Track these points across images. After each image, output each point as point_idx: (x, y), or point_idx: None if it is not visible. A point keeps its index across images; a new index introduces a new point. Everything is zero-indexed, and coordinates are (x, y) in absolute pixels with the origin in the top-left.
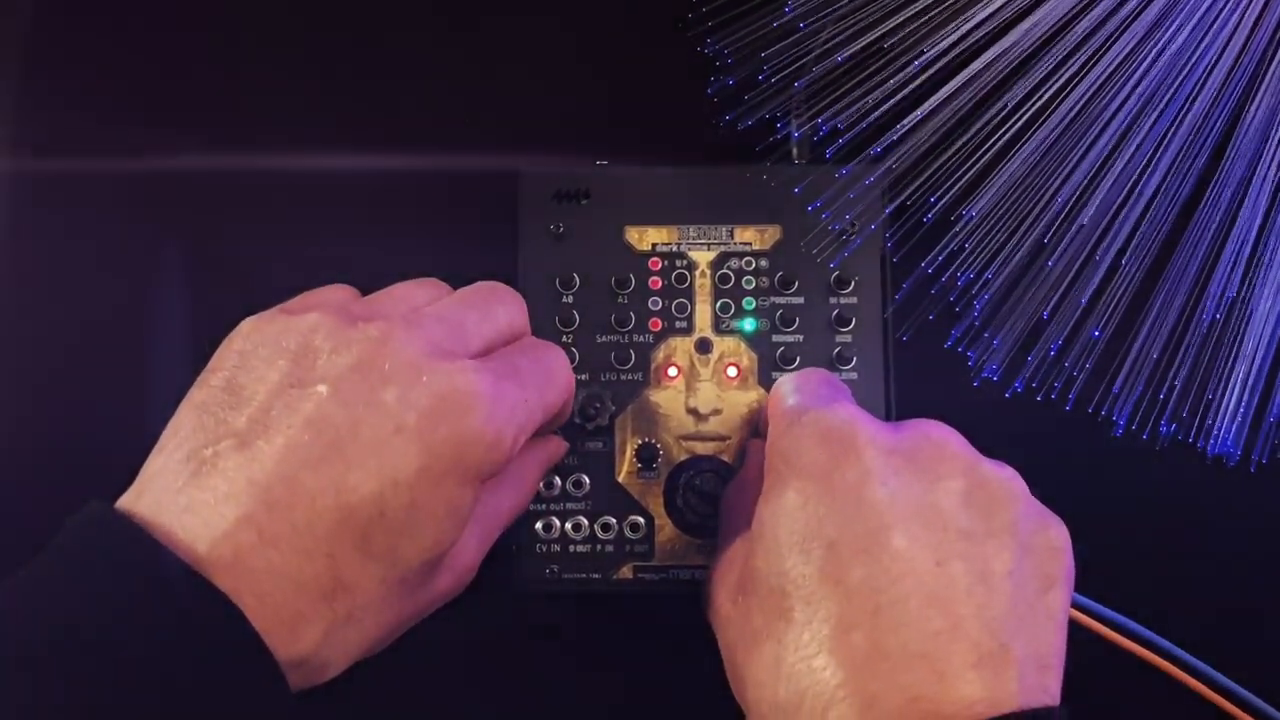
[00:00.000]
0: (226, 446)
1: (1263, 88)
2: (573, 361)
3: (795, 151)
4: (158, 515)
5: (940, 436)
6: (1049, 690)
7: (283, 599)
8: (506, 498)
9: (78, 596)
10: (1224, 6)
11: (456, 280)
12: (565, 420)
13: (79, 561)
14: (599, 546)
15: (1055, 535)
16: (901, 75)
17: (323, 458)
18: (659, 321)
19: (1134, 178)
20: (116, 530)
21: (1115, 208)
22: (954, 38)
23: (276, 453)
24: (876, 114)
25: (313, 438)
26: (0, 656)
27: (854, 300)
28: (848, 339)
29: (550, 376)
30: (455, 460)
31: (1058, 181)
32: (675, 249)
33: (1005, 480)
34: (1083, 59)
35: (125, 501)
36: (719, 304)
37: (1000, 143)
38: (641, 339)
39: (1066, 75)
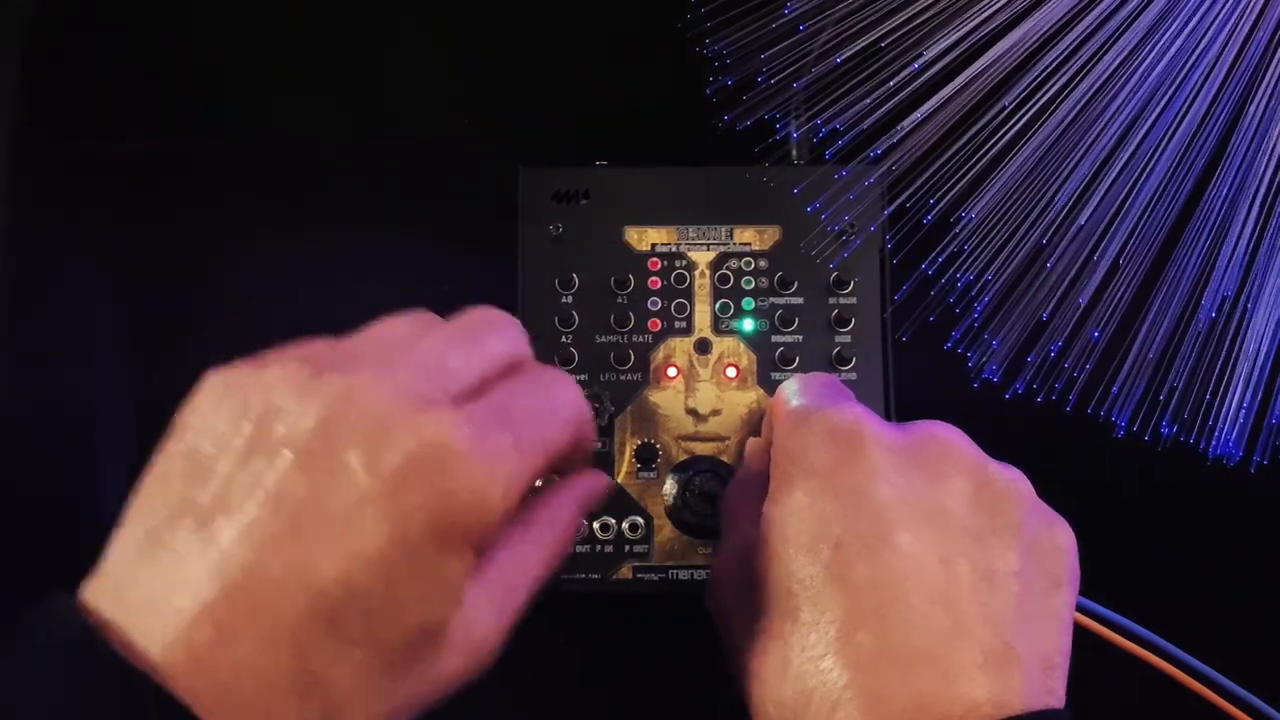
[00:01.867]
0: (186, 527)
1: (1262, 88)
2: (572, 362)
3: (795, 152)
4: (116, 610)
5: (946, 436)
6: (1054, 691)
7: (247, 699)
8: (531, 553)
9: (34, 704)
10: (1223, 7)
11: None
12: (591, 451)
13: (36, 666)
14: (598, 547)
15: (1061, 536)
16: (901, 77)
17: (284, 535)
18: (658, 322)
19: (1133, 178)
20: (74, 632)
21: (1114, 208)
22: (953, 39)
23: (236, 532)
24: (876, 115)
25: (273, 513)
26: None
27: (853, 301)
28: (847, 339)
29: (552, 412)
30: (431, 527)
31: (1057, 183)
32: (675, 249)
33: (1011, 480)
34: (1082, 60)
35: (90, 591)
36: (718, 304)
37: (1000, 144)
38: (641, 339)
39: (1066, 76)
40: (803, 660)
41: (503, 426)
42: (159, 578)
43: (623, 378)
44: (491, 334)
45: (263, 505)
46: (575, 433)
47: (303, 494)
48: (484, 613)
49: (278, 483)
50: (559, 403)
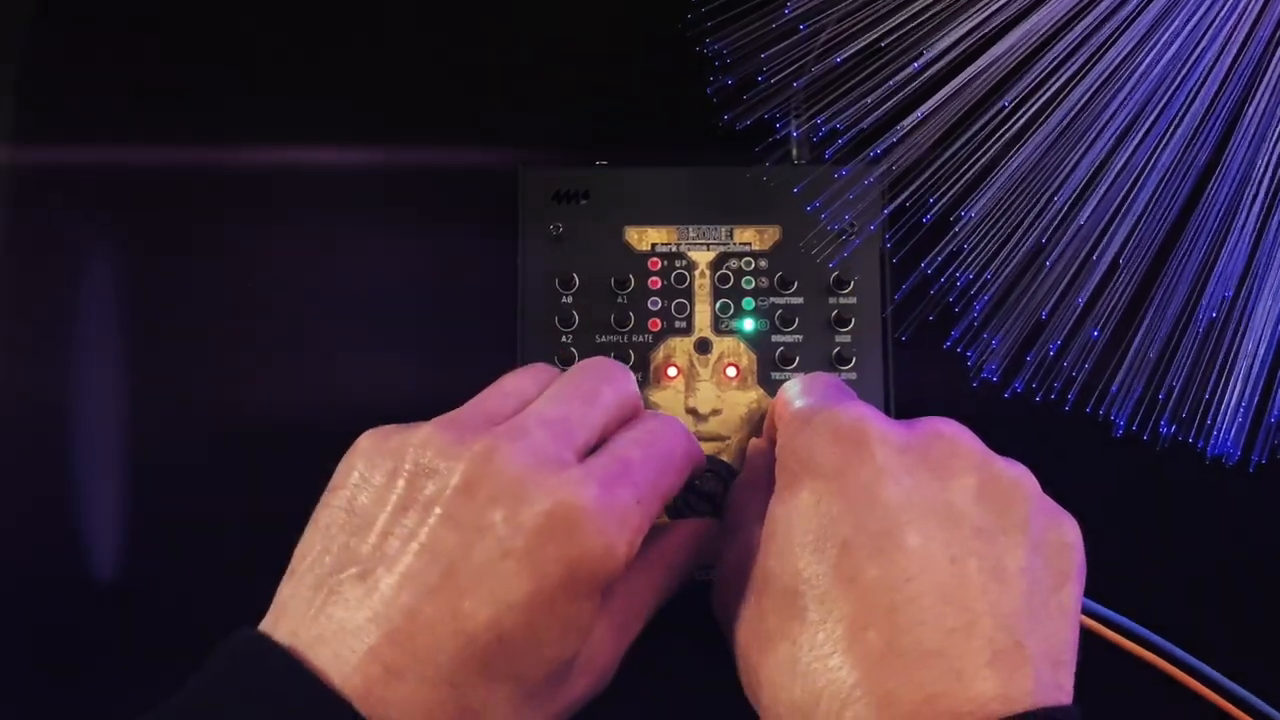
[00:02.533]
0: (349, 576)
1: (1261, 87)
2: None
3: (794, 152)
4: (295, 645)
5: (952, 433)
6: (1063, 687)
7: None
8: (645, 588)
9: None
10: (1223, 7)
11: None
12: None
13: (238, 693)
14: None
15: (1067, 531)
16: (901, 76)
17: (438, 585)
18: (658, 321)
19: (1132, 178)
20: (272, 661)
21: (1114, 208)
22: (953, 38)
23: (395, 582)
24: (876, 115)
25: (427, 564)
26: None
27: (853, 300)
28: (847, 339)
29: (667, 462)
30: (567, 578)
31: (1056, 182)
32: (675, 249)
33: (1017, 477)
34: (1082, 59)
35: (265, 628)
36: (718, 304)
37: (999, 143)
38: (641, 339)
39: (1065, 76)
40: (811, 659)
41: (625, 481)
42: (330, 620)
43: None
44: (606, 385)
45: (417, 557)
46: (688, 475)
47: (452, 547)
48: (605, 641)
49: (430, 536)
50: (671, 452)
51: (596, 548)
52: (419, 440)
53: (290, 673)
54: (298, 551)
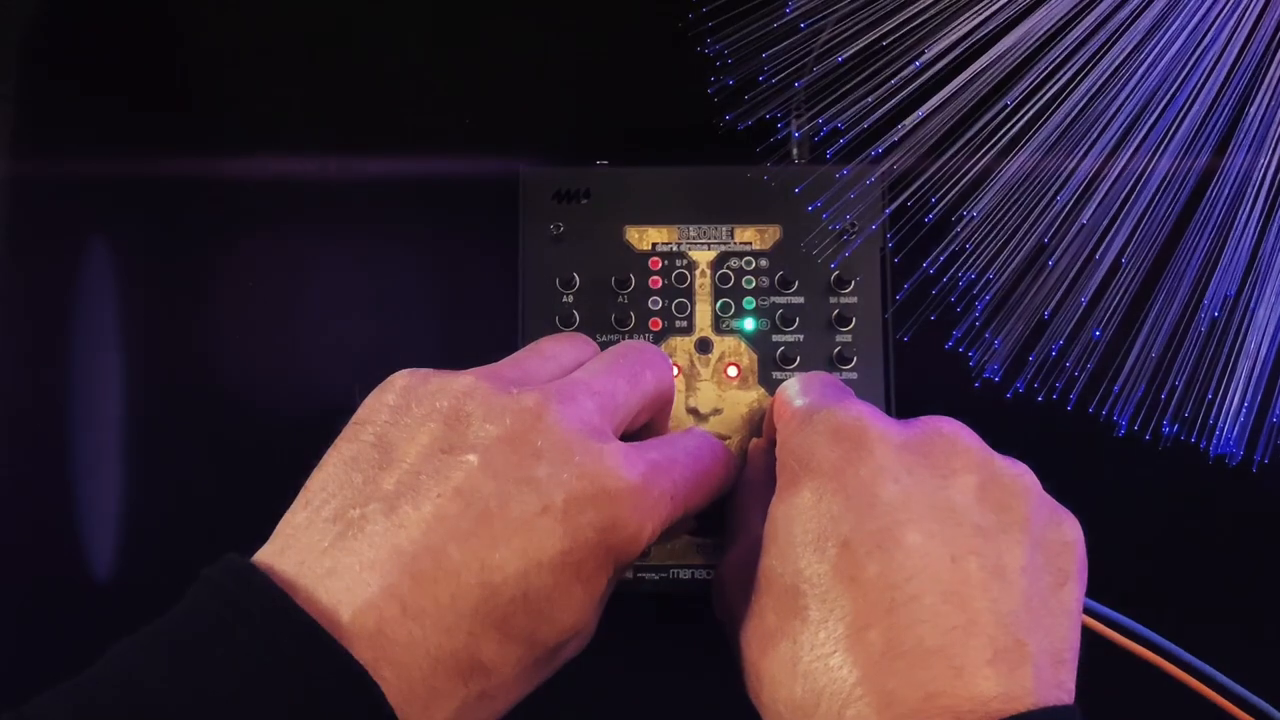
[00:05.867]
0: (374, 509)
1: (1263, 87)
2: None
3: (795, 152)
4: (300, 575)
5: (952, 431)
6: (1064, 686)
7: (420, 675)
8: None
9: (214, 658)
10: (1224, 7)
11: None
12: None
13: (217, 621)
14: None
15: (1068, 530)
16: (902, 75)
17: (470, 531)
18: (659, 321)
19: (1135, 177)
20: (258, 590)
21: (1116, 207)
22: (954, 38)
23: (424, 521)
24: (877, 114)
25: (460, 509)
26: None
27: (854, 300)
28: (848, 339)
29: (704, 478)
30: (596, 546)
31: (1058, 181)
32: (675, 249)
33: (1018, 475)
34: (1084, 59)
35: (267, 555)
36: (719, 304)
37: (1001, 143)
38: (641, 339)
39: (1067, 75)
40: (812, 659)
41: (666, 476)
42: (348, 554)
43: None
44: (646, 367)
45: (450, 500)
46: (718, 497)
47: (488, 495)
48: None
49: (465, 481)
50: (712, 474)
51: (630, 524)
52: (462, 387)
53: (277, 604)
54: (314, 481)
